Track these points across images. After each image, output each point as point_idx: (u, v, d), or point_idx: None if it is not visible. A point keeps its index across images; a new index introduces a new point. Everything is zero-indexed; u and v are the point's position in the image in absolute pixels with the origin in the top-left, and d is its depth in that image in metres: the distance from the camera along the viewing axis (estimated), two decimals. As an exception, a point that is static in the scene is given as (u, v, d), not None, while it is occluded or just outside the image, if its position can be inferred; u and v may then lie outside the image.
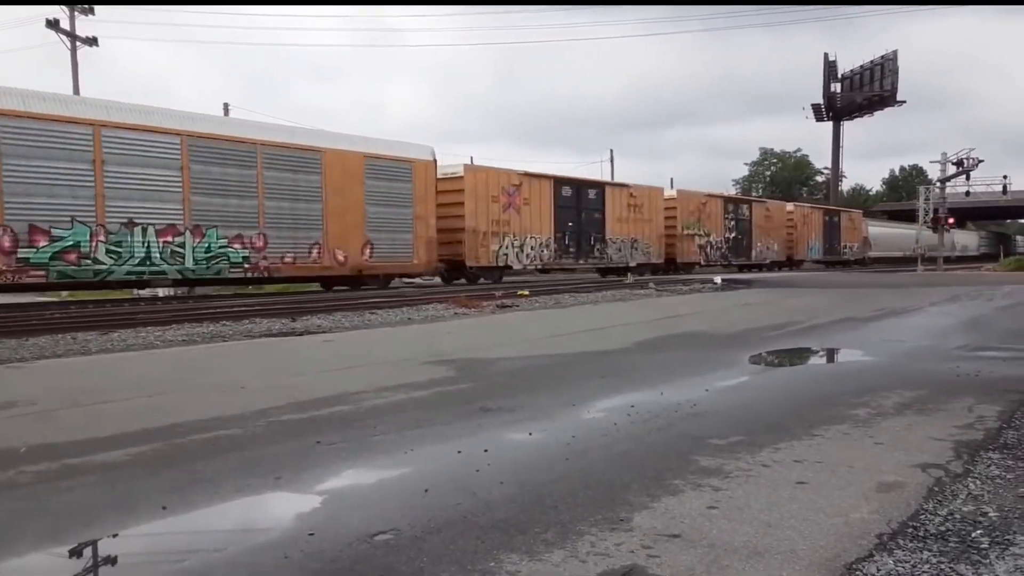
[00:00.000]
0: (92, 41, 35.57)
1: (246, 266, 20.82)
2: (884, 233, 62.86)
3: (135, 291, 22.43)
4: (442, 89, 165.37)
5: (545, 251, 30.37)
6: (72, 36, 35.02)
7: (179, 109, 19.97)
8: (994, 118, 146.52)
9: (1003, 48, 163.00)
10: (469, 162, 30.24)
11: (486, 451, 4.86)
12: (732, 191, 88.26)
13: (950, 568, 3.06)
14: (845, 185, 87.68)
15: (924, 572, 3.02)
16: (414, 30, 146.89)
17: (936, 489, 4.03)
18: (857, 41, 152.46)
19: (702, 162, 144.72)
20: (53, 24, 34.46)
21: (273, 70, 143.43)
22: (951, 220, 49.16)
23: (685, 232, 38.55)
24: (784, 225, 47.91)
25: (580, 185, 32.82)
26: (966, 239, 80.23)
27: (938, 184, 49.89)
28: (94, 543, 3.53)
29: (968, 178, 49.02)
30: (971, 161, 47.70)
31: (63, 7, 34.73)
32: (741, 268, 43.07)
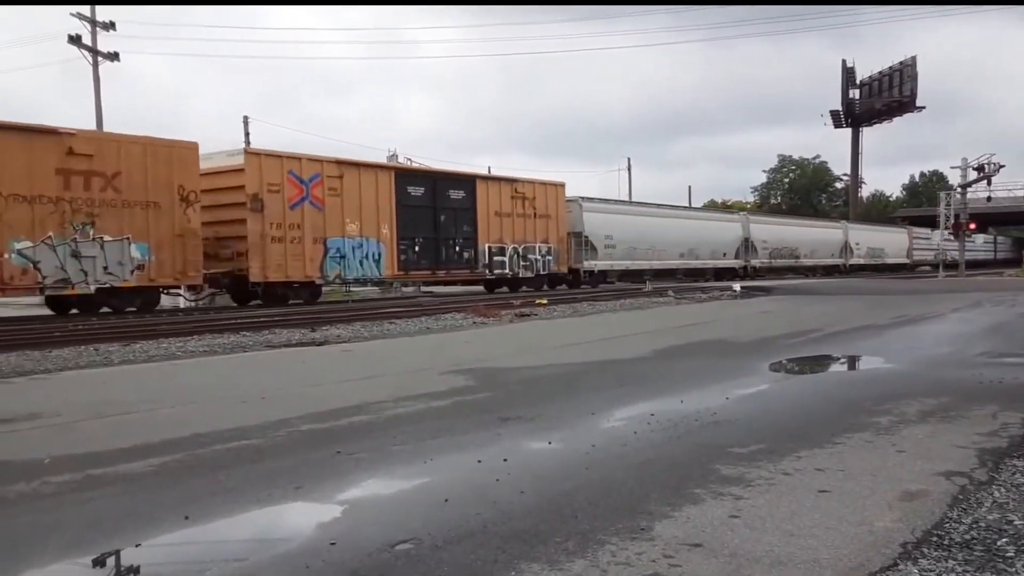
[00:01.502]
0: (114, 56, 35.98)
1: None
2: (643, 229, 36.64)
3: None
4: (453, 100, 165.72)
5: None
6: (94, 52, 35.44)
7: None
8: (1015, 123, 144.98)
9: (1023, 52, 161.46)
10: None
11: (505, 460, 4.85)
12: (751, 199, 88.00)
13: (976, 577, 3.02)
14: (865, 191, 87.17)
15: (949, 581, 2.99)
16: (425, 42, 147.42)
17: (960, 497, 3.99)
18: (869, 49, 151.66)
19: (718, 171, 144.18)
20: (75, 40, 34.88)
21: (288, 82, 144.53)
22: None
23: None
24: (182, 198, 19.66)
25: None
26: (875, 238, 59.05)
27: (959, 190, 49.47)
28: (117, 553, 3.56)
29: (989, 183, 48.67)
30: (992, 166, 47.30)
31: (84, 23, 35.16)
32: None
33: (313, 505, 4.19)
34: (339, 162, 23.54)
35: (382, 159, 38.47)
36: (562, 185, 31.97)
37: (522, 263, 29.34)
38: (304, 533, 3.73)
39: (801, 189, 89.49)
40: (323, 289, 24.66)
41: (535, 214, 29.98)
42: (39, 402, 7.67)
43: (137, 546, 3.61)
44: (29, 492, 4.49)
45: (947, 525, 3.57)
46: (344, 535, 3.60)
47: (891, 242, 60.95)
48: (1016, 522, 3.61)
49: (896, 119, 78.48)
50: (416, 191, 25.61)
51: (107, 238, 18.14)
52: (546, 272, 30.62)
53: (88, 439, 5.90)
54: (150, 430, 6.07)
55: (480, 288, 30.25)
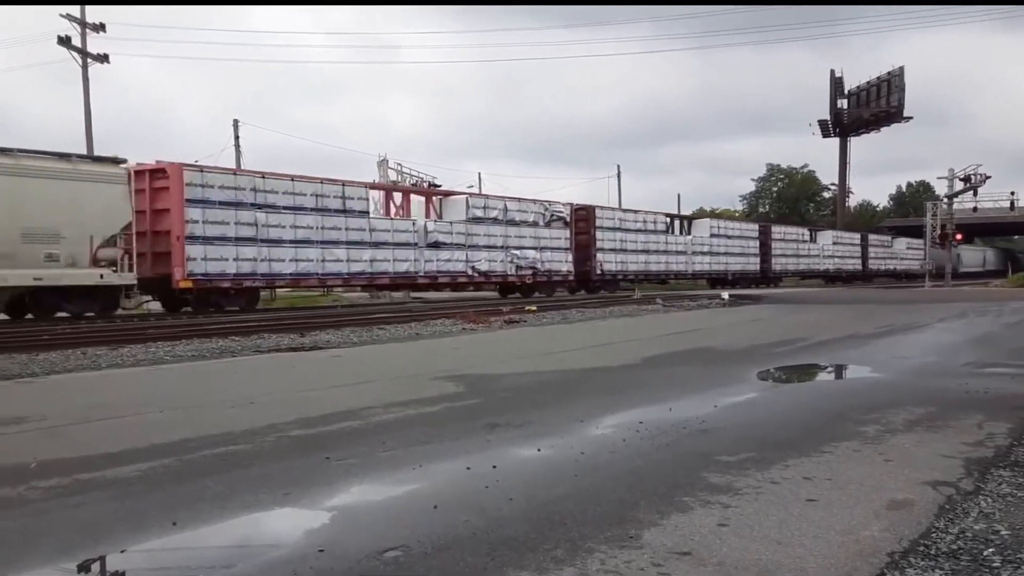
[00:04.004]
0: (103, 58, 35.85)
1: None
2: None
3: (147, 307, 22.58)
4: (443, 105, 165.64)
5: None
6: (84, 53, 35.29)
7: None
8: (1001, 133, 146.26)
9: (1008, 63, 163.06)
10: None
11: (495, 467, 4.85)
12: (739, 208, 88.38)
13: (962, 587, 3.04)
14: (852, 201, 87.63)
15: (936, 591, 3.01)
16: (414, 47, 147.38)
17: (947, 507, 4.01)
18: (857, 59, 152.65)
19: (708, 179, 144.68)
20: (65, 41, 34.74)
21: (276, 85, 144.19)
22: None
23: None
24: None
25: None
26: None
27: (945, 200, 49.81)
28: (102, 559, 3.54)
29: (975, 194, 49.02)
30: (978, 177, 47.71)
31: (74, 24, 35.02)
32: None
33: (301, 511, 4.18)
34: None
35: (372, 163, 38.25)
36: None
37: None
38: (292, 540, 3.72)
39: (789, 198, 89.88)
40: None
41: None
42: (25, 406, 7.61)
43: (123, 552, 3.59)
44: (15, 497, 4.46)
45: (934, 535, 3.60)
46: (332, 542, 3.59)
47: None
48: (1002, 532, 3.63)
49: (884, 129, 79.03)
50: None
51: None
52: None
53: (75, 443, 5.86)
54: (138, 435, 6.04)
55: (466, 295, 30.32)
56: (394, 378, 9.40)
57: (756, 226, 50.53)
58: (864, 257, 60.94)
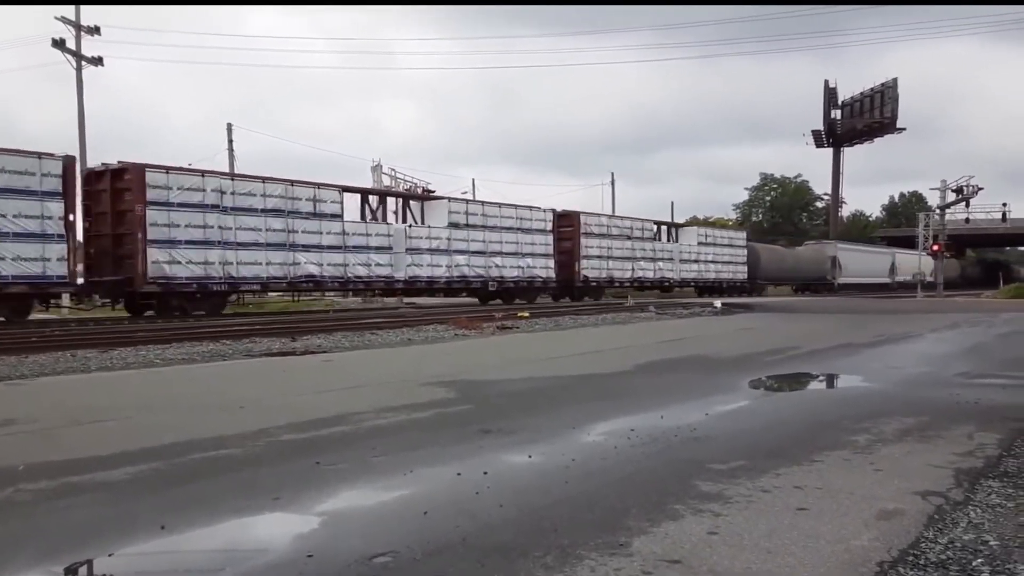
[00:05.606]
0: (98, 61, 35.79)
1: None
2: None
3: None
4: (439, 111, 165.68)
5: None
6: (78, 56, 35.22)
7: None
8: (994, 146, 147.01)
9: (1001, 75, 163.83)
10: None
11: (486, 473, 4.84)
12: (732, 216, 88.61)
13: (951, 597, 3.04)
14: (845, 211, 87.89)
15: (925, 601, 3.00)
16: (411, 53, 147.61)
17: (937, 517, 4.02)
18: (851, 69, 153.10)
19: (700, 187, 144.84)
20: (59, 44, 34.67)
21: (271, 90, 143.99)
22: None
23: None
24: None
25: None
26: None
27: (938, 211, 49.99)
28: (90, 562, 3.52)
29: (968, 205, 49.17)
30: (971, 188, 47.87)
31: (69, 27, 34.95)
32: None
33: (291, 516, 4.16)
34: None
35: (366, 169, 38.71)
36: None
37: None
38: (281, 545, 3.70)
39: (782, 207, 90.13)
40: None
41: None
42: (14, 408, 7.58)
43: (111, 555, 3.57)
44: (3, 499, 4.43)
45: (923, 545, 3.60)
46: (322, 547, 3.58)
47: None
48: (991, 543, 3.64)
49: (877, 140, 79.30)
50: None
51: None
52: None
53: (64, 446, 5.83)
54: (127, 438, 6.01)
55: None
56: (385, 383, 9.38)
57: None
58: (572, 258, 36.00)
